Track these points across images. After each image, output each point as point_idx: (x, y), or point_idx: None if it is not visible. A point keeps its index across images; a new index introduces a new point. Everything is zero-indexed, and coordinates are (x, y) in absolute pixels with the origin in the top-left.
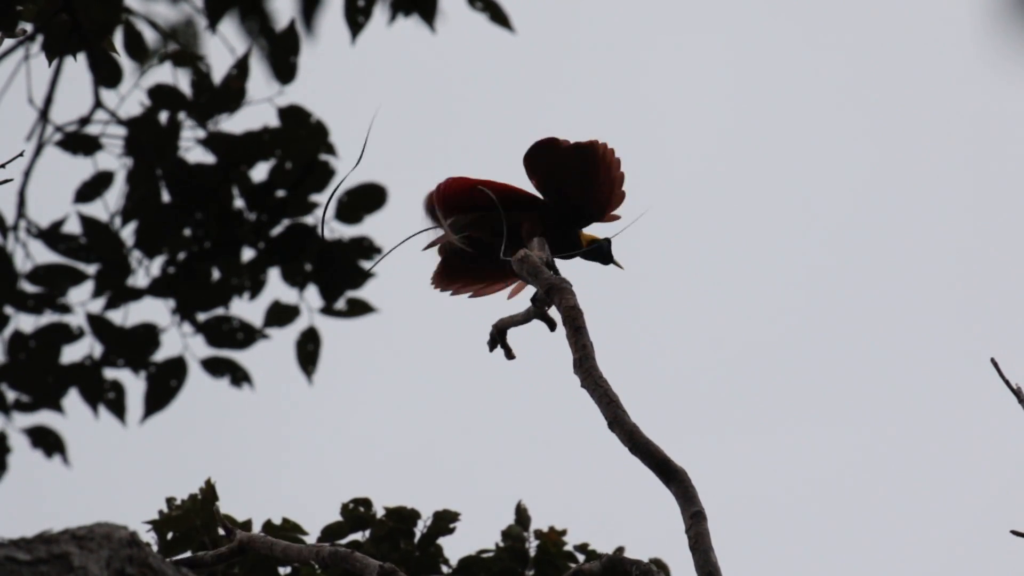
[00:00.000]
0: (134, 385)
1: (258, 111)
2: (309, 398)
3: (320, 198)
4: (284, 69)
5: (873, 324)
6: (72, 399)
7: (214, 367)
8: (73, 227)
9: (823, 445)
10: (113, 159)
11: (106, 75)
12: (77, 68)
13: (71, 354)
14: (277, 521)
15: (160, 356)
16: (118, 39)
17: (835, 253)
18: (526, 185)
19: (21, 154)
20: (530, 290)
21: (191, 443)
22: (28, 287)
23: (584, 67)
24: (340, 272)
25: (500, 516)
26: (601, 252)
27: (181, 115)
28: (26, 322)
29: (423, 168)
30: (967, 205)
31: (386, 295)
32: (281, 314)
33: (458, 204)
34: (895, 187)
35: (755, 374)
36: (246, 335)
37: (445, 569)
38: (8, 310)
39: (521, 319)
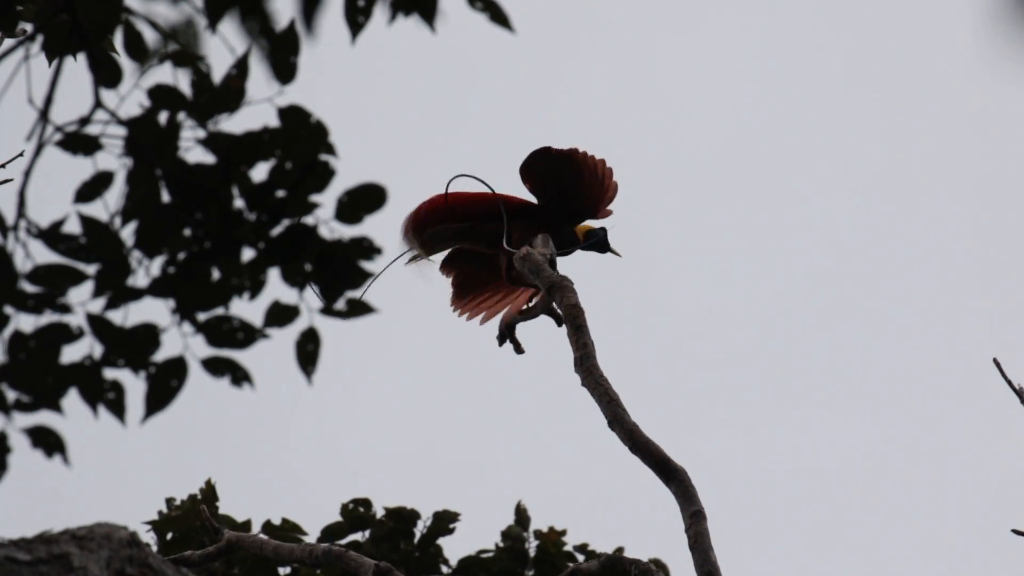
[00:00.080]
0: (134, 385)
1: (258, 111)
2: (309, 398)
3: (320, 198)
4: (284, 69)
5: (872, 324)
6: (72, 399)
7: (214, 367)
8: (73, 227)
9: (823, 445)
10: (113, 159)
11: (106, 75)
12: (77, 68)
13: (71, 354)
14: (277, 521)
15: (160, 356)
16: (118, 39)
17: (836, 253)
18: (519, 193)
19: (21, 154)
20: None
21: (191, 443)
22: (28, 287)
23: (596, 59)
24: (340, 272)
25: (500, 516)
26: (598, 242)
27: (181, 115)
28: (26, 322)
29: (423, 168)
30: (965, 205)
31: (386, 296)
32: (281, 314)
33: (439, 218)
34: (898, 187)
35: (756, 367)
36: (246, 335)
37: (445, 569)
38: (8, 310)
39: (529, 315)
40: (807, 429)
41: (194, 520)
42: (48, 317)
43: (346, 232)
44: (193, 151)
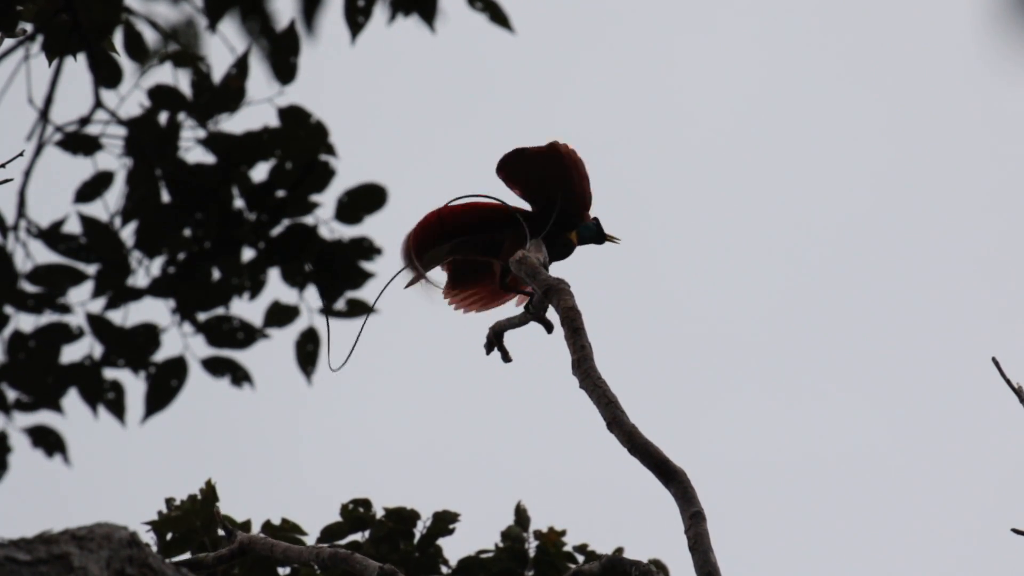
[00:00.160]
0: (134, 385)
1: (258, 111)
2: (309, 399)
3: (320, 198)
4: (284, 69)
5: (872, 324)
6: (72, 399)
7: (214, 367)
8: (73, 227)
9: (821, 444)
10: (113, 159)
11: (106, 75)
12: (77, 68)
13: (71, 354)
14: (277, 521)
15: (160, 356)
16: (118, 39)
17: (835, 252)
18: (510, 202)
19: (21, 154)
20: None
21: (191, 443)
22: (28, 287)
23: (601, 57)
24: (340, 272)
25: (500, 517)
26: (593, 234)
27: (181, 115)
28: (26, 322)
29: (424, 168)
30: (965, 205)
31: (386, 296)
32: (281, 314)
33: (434, 239)
34: (901, 185)
35: (756, 360)
36: (246, 335)
37: (445, 570)
38: (8, 310)
39: (518, 322)
40: (806, 425)
41: (194, 520)
42: (48, 317)
43: (346, 232)
44: (193, 151)
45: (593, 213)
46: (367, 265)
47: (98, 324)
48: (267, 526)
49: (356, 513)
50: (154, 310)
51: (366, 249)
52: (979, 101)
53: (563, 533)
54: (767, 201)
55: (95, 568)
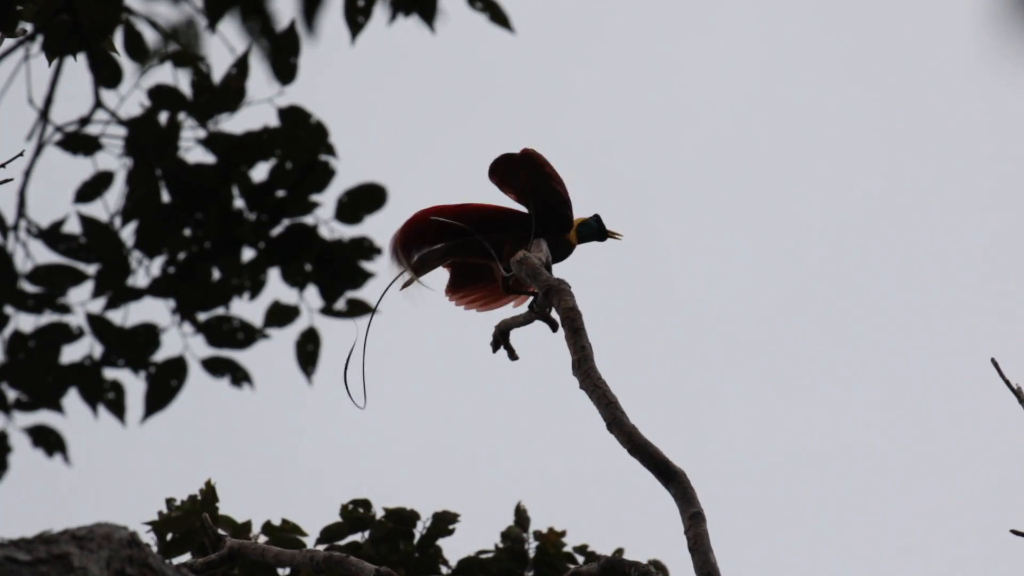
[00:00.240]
0: (134, 385)
1: (258, 111)
2: (309, 399)
3: (320, 198)
4: (284, 69)
5: (871, 324)
6: (72, 399)
7: (214, 367)
8: (73, 227)
9: (823, 446)
10: (113, 159)
11: (106, 75)
12: (77, 68)
13: (71, 354)
14: (276, 522)
15: (160, 356)
16: (118, 39)
17: (836, 252)
18: (506, 204)
19: (21, 154)
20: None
21: (191, 443)
22: (28, 287)
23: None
24: (340, 272)
25: (499, 517)
26: (594, 231)
27: (181, 115)
28: (26, 322)
29: (424, 168)
30: (966, 203)
31: (385, 297)
32: (281, 314)
33: (425, 238)
34: (902, 186)
35: (753, 360)
36: (246, 335)
37: (444, 570)
38: (8, 310)
39: (523, 320)
40: (805, 425)
41: (194, 521)
42: (48, 317)
43: (346, 232)
44: (193, 151)
45: (594, 210)
46: (367, 265)
47: (98, 324)
48: (267, 527)
49: (356, 513)
50: (154, 310)
51: (366, 249)
52: (980, 101)
53: (563, 534)
54: (767, 198)
55: (95, 568)
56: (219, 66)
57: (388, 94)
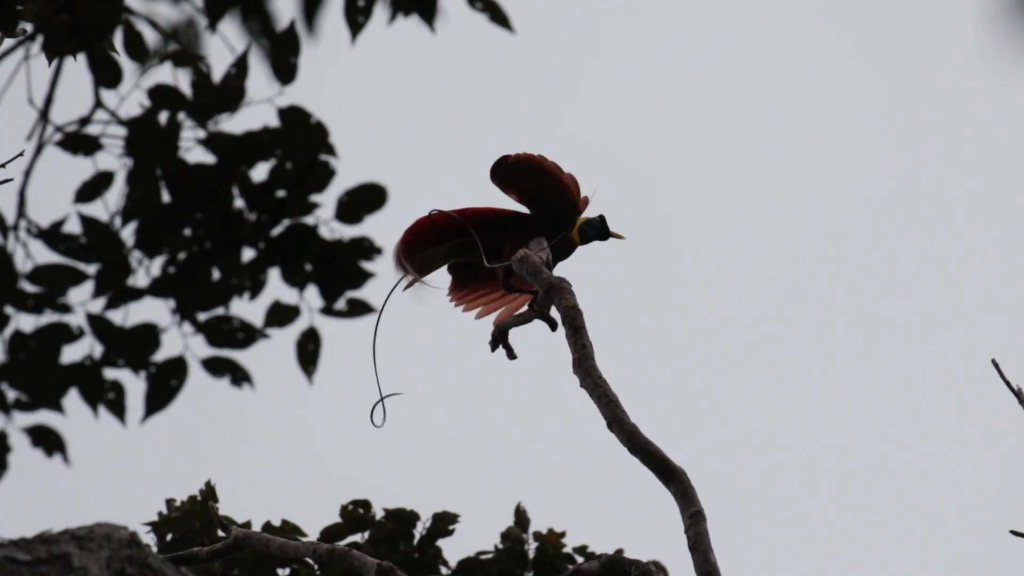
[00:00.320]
0: (134, 385)
1: (258, 111)
2: (309, 399)
3: (320, 198)
4: (284, 69)
5: (871, 324)
6: (72, 399)
7: (214, 367)
8: (73, 227)
9: (822, 448)
10: (113, 159)
11: (106, 75)
12: (77, 68)
13: (71, 354)
14: (276, 522)
15: (160, 356)
16: (118, 39)
17: (838, 250)
18: (507, 205)
19: (21, 154)
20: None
21: (191, 443)
22: (28, 287)
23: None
24: (340, 272)
25: (499, 518)
26: (598, 232)
27: (181, 115)
28: (26, 322)
29: (424, 168)
30: (965, 202)
31: (384, 296)
32: (281, 314)
33: (427, 241)
34: (904, 188)
35: (753, 359)
36: (246, 335)
37: (444, 570)
38: (8, 310)
39: (523, 319)
40: (804, 426)
41: (194, 521)
42: (48, 317)
43: (346, 232)
44: (193, 151)
45: (601, 207)
46: (367, 265)
47: (98, 324)
48: (267, 527)
49: (356, 514)
50: (154, 310)
51: (366, 249)
52: (980, 101)
53: (563, 534)
54: (768, 196)
55: (95, 568)
56: (219, 66)
57: (388, 94)
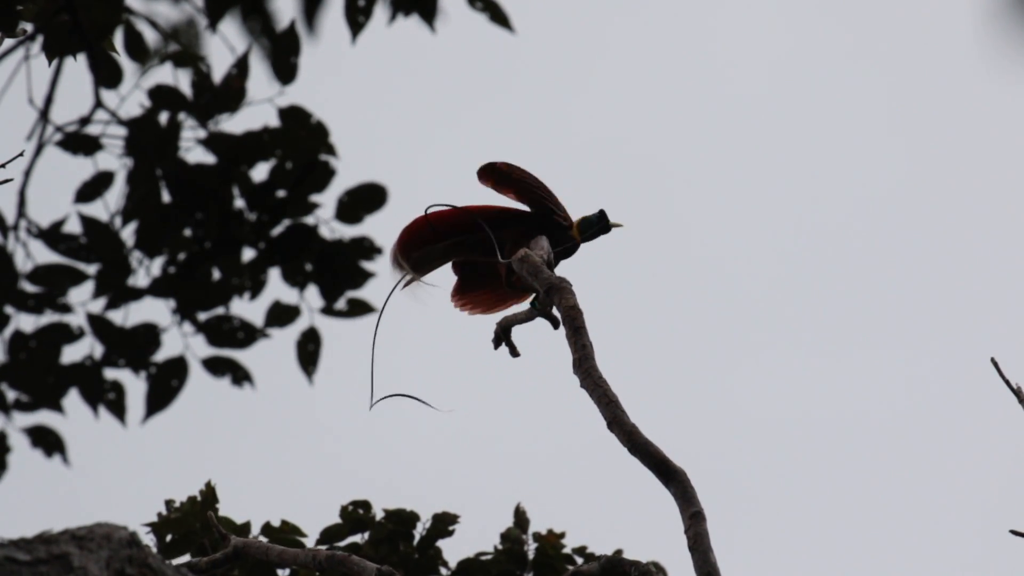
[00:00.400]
0: (134, 385)
1: (258, 111)
2: (309, 399)
3: (320, 198)
4: (285, 69)
5: (871, 324)
6: (72, 399)
7: (215, 367)
8: (73, 227)
9: (822, 447)
10: (113, 159)
11: (106, 75)
12: (77, 68)
13: (71, 354)
14: (276, 523)
15: (161, 356)
16: (118, 39)
17: (837, 251)
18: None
19: (21, 154)
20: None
21: (191, 443)
22: (28, 287)
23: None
24: (340, 272)
25: (499, 518)
26: (598, 227)
27: (181, 115)
28: (26, 322)
29: (424, 167)
30: (963, 202)
31: (384, 296)
32: (282, 314)
33: (424, 239)
34: (909, 183)
35: (753, 358)
36: (247, 335)
37: (444, 571)
38: (8, 310)
39: (525, 317)
40: (804, 426)
41: (194, 522)
42: (48, 317)
43: (346, 232)
44: (193, 151)
45: (600, 204)
46: (368, 265)
47: (98, 324)
48: (267, 528)
49: (356, 515)
50: (154, 310)
51: (367, 249)
52: (980, 101)
53: (562, 535)
54: (772, 194)
55: (95, 568)
56: (219, 66)
57: (388, 94)
